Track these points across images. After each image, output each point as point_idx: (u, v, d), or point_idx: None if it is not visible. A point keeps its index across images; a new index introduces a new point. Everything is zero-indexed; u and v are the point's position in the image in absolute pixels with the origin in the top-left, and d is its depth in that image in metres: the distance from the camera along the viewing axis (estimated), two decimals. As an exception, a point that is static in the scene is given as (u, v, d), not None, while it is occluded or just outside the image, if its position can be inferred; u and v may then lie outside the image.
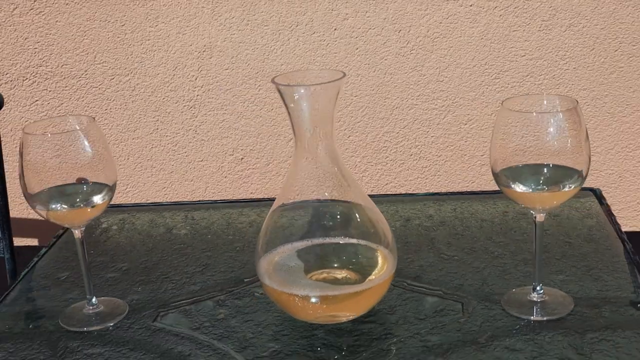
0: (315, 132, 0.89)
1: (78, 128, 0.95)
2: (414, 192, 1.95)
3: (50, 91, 1.92)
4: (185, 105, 1.91)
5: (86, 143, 0.94)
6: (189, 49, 1.87)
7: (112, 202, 1.00)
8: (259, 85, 1.90)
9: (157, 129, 1.93)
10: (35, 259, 1.15)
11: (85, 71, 1.90)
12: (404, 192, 1.95)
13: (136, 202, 1.92)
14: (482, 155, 1.91)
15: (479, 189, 1.91)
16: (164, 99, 1.91)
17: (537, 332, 0.86)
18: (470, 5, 1.83)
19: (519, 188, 0.86)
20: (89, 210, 0.95)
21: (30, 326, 0.99)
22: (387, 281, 0.91)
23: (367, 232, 0.92)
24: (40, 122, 0.97)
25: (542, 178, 0.86)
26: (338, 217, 0.93)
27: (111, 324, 0.97)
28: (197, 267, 1.08)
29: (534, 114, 0.85)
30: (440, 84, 1.86)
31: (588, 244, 1.05)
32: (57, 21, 1.87)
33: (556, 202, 0.88)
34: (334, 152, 0.91)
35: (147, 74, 1.90)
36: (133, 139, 1.95)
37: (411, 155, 1.93)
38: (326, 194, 0.91)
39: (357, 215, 0.93)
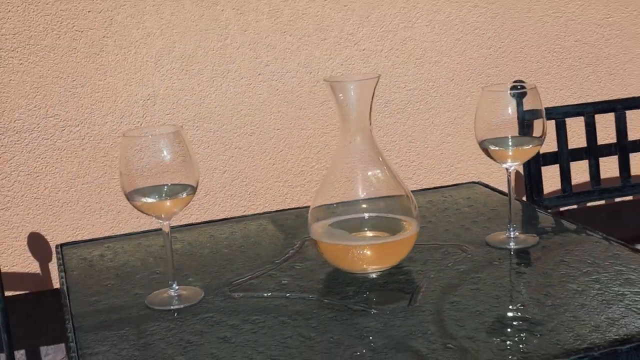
0: (357, 117, 1.27)
1: (169, 133, 1.16)
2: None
3: (2, 145, 2.05)
4: (131, 149, 2.14)
5: (173, 147, 1.15)
6: (135, 97, 2.13)
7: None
8: (197, 126, 2.19)
9: (106, 173, 2.14)
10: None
11: (38, 124, 2.07)
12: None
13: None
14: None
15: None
16: (112, 144, 2.13)
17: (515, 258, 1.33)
18: (363, 49, 2.29)
19: (495, 148, 1.34)
20: (171, 203, 1.17)
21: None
22: (411, 237, 1.29)
23: (396, 206, 1.31)
24: (135, 129, 1.19)
25: (510, 143, 1.35)
26: (373, 194, 1.31)
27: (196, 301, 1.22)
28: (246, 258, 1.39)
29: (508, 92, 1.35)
30: (343, 114, 2.29)
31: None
32: (10, 80, 2.03)
33: (521, 159, 1.37)
34: (370, 137, 1.29)
35: (96, 123, 2.11)
36: (83, 184, 2.13)
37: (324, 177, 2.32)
38: (365, 174, 1.30)
39: (388, 190, 1.31)
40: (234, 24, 2.17)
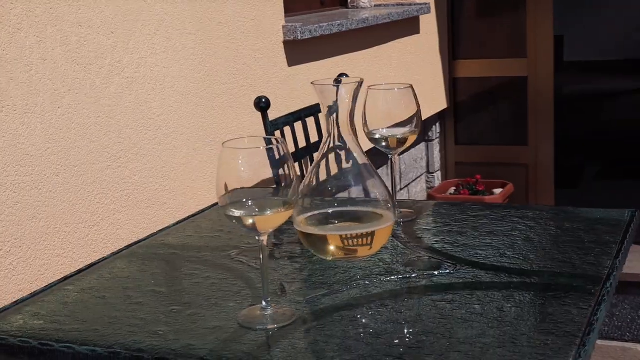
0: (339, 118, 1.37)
1: (271, 145, 1.17)
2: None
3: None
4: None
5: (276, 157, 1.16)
6: None
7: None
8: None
9: None
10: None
11: None
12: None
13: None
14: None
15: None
16: None
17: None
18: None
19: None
20: (273, 215, 1.17)
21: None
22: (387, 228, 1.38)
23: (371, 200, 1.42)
24: (235, 140, 1.18)
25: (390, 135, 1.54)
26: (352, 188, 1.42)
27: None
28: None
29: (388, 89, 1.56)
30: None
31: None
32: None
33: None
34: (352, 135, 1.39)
35: None
36: None
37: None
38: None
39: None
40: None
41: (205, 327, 1.22)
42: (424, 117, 3.85)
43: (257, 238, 1.20)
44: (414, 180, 4.18)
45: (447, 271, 1.37)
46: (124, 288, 1.42)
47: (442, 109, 4.28)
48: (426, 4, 3.73)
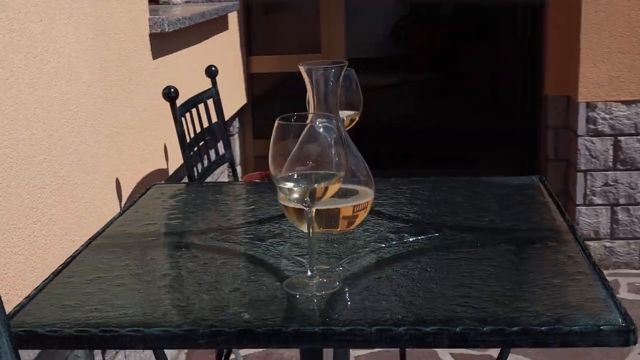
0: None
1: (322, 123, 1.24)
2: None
3: None
4: None
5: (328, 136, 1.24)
6: None
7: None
8: None
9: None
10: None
11: None
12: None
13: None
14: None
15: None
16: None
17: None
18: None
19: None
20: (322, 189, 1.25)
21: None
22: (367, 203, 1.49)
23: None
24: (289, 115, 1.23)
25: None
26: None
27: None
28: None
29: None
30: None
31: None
32: None
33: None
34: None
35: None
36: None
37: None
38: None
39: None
40: None
41: (260, 300, 1.26)
42: (229, 114, 3.95)
43: (306, 209, 1.27)
44: (219, 176, 4.25)
45: (437, 234, 1.52)
46: (133, 275, 1.41)
47: (243, 104, 4.39)
48: (235, 1, 3.82)
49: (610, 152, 3.91)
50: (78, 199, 1.93)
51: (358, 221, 1.53)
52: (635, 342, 1.11)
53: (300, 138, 1.24)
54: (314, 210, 1.28)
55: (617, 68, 3.84)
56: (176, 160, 2.78)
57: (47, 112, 1.79)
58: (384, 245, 1.47)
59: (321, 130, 1.25)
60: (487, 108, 6.65)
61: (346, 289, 1.28)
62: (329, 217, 1.49)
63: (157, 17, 2.49)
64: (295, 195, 1.26)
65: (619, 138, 3.91)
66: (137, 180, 2.33)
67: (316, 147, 1.25)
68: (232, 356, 2.46)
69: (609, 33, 3.80)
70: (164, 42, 2.64)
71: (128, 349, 2.04)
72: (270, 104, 4.62)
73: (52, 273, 1.42)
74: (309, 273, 1.30)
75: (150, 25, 2.48)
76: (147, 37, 2.49)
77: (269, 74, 4.50)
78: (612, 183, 3.90)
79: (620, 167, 3.91)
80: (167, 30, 2.49)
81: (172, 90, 2.05)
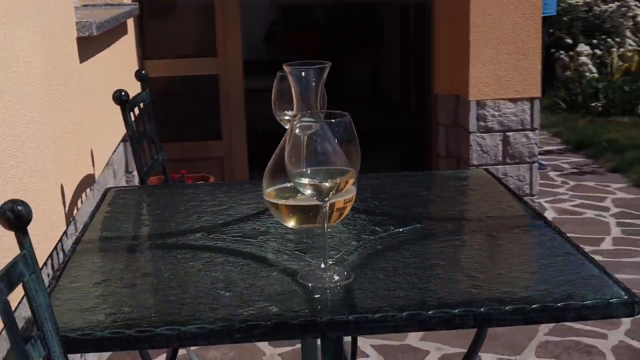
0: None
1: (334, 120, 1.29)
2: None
3: None
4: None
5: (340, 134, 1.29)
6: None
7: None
8: None
9: None
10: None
11: None
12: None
13: None
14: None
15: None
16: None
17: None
18: None
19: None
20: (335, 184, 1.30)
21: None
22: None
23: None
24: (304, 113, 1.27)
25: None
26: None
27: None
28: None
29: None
30: None
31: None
32: None
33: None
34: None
35: None
36: None
37: None
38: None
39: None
40: None
41: (280, 294, 1.29)
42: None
43: (321, 203, 1.32)
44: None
45: (419, 225, 1.60)
46: (142, 275, 1.41)
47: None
48: (135, 4, 3.78)
49: (500, 147, 4.14)
50: (36, 206, 1.88)
51: (340, 218, 1.57)
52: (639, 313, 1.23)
53: (314, 136, 1.29)
54: (327, 205, 1.33)
55: (504, 68, 4.06)
56: (99, 164, 2.74)
57: (12, 117, 1.74)
58: (373, 237, 1.54)
59: (335, 128, 1.30)
60: (373, 108, 6.86)
61: (361, 279, 1.34)
62: (308, 214, 1.49)
63: (84, 20, 2.45)
64: (310, 191, 1.30)
65: (507, 134, 4.14)
66: (75, 185, 2.29)
67: (329, 144, 1.30)
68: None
69: (496, 35, 4.02)
70: (89, 45, 2.60)
71: (163, 347, 1.98)
72: (169, 108, 4.57)
73: (53, 278, 1.40)
74: (323, 265, 1.35)
75: (77, 29, 2.44)
76: (75, 41, 2.45)
77: (165, 77, 4.46)
78: (502, 176, 4.12)
79: (509, 161, 4.14)
80: (95, 33, 2.45)
81: (123, 93, 2.04)
